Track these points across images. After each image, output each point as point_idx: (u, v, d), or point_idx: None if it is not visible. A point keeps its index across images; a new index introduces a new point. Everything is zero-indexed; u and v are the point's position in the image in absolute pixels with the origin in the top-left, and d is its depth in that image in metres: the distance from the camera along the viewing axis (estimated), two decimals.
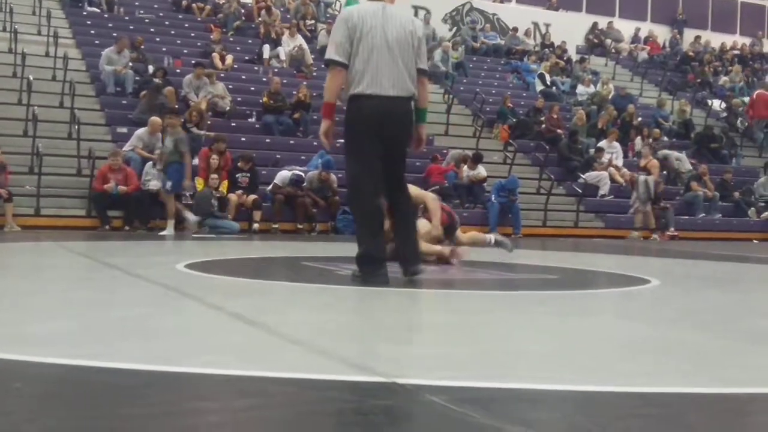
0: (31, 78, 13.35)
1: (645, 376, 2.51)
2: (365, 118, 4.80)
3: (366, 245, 4.82)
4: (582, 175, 15.69)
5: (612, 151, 16.59)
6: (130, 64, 14.92)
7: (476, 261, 7.42)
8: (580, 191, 15.28)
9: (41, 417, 1.87)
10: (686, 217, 15.78)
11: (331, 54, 4.82)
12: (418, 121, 4.99)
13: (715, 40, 26.57)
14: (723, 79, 23.78)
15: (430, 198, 6.83)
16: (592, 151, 16.43)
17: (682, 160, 17.41)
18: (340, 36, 4.76)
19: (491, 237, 7.56)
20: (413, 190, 6.27)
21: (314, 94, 15.59)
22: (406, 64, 4.78)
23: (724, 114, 21.27)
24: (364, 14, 4.79)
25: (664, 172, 16.94)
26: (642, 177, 15.11)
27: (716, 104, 21.86)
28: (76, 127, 12.65)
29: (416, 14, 22.00)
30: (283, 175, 12.57)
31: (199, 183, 11.94)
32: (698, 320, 3.97)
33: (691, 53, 24.95)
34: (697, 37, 26.09)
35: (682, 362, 2.80)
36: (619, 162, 16.59)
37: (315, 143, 14.36)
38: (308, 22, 19.86)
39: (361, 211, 4.98)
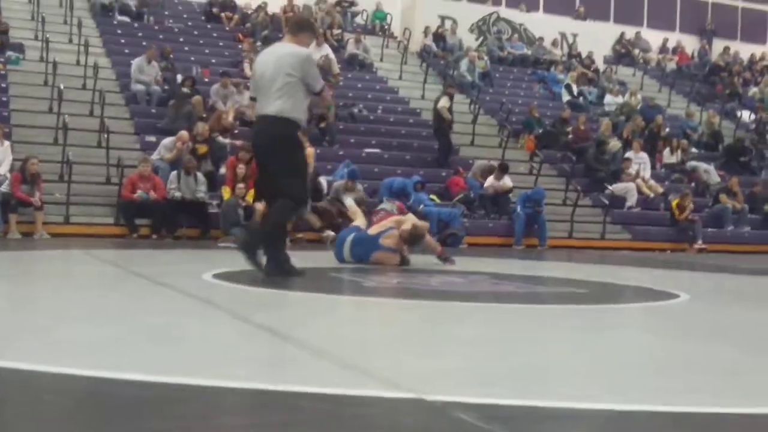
0: (61, 87, 13.52)
1: (677, 395, 2.48)
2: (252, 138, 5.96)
3: None
4: (609, 186, 15.59)
5: (639, 161, 16.47)
6: (159, 73, 15.07)
7: (501, 273, 7.39)
8: (606, 202, 15.17)
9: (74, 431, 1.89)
10: (714, 229, 15.62)
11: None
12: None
13: (745, 50, 26.31)
14: (753, 90, 23.52)
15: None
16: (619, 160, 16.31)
17: (711, 172, 17.23)
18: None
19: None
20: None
21: (340, 103, 15.65)
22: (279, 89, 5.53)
23: (754, 126, 21.04)
24: (261, 55, 5.94)
25: (692, 184, 16.77)
26: None
27: (746, 116, 21.63)
28: (106, 135, 12.79)
29: (443, 24, 22.03)
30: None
31: (226, 192, 12.00)
32: (729, 337, 3.92)
33: (720, 63, 24.73)
34: (726, 48, 25.84)
35: (713, 380, 2.77)
36: (647, 173, 16.46)
37: (341, 152, 14.43)
38: (335, 31, 19.94)
39: None
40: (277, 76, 5.46)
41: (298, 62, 5.55)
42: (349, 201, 7.80)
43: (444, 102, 15.23)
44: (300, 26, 5.86)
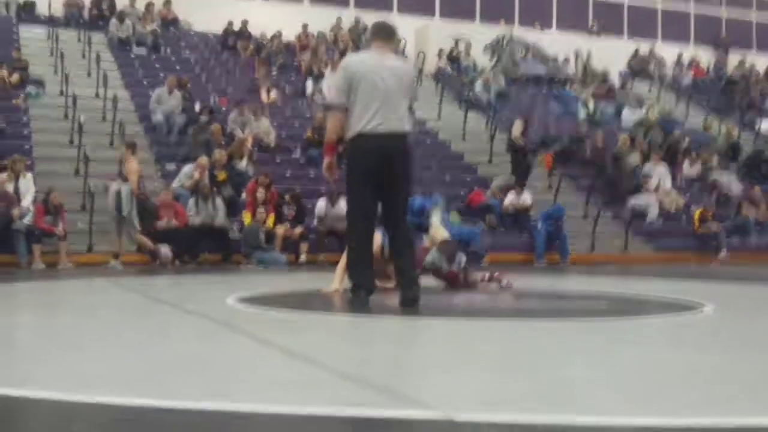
0: (82, 119, 13.69)
1: (703, 408, 2.46)
2: (363, 154, 5.21)
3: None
4: (630, 200, 15.51)
5: (659, 174, 16.38)
6: (180, 102, 15.21)
7: (524, 289, 7.36)
8: (628, 216, 15.08)
9: None
10: (737, 239, 15.48)
11: (331, 98, 5.39)
12: None
13: (760, 61, 26.21)
14: None
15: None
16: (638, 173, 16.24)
17: (732, 183, 17.13)
18: (339, 82, 5.23)
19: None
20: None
21: None
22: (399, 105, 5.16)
23: None
24: (361, 61, 5.29)
25: (714, 195, 16.64)
26: (114, 186, 11.01)
27: (765, 126, 21.49)
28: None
29: (456, 45, 22.10)
30: (320, 206, 12.57)
31: (247, 217, 12.08)
32: (756, 348, 3.88)
33: (735, 78, 24.62)
34: (742, 61, 25.75)
35: (741, 393, 2.74)
36: (667, 185, 16.38)
37: None
38: None
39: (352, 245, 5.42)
40: (402, 91, 5.20)
41: (412, 80, 5.43)
42: (434, 219, 7.76)
43: (517, 130, 15.46)
44: (392, 32, 5.45)
